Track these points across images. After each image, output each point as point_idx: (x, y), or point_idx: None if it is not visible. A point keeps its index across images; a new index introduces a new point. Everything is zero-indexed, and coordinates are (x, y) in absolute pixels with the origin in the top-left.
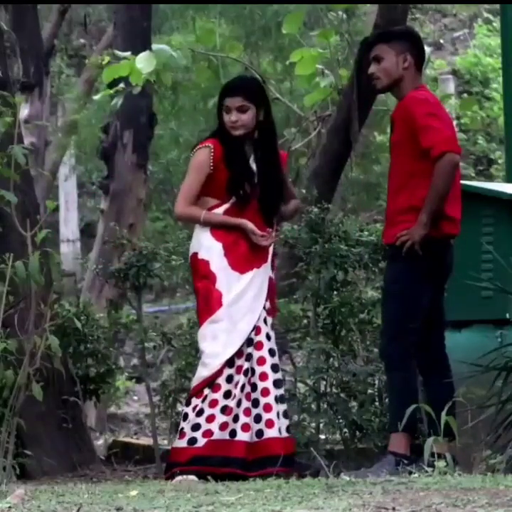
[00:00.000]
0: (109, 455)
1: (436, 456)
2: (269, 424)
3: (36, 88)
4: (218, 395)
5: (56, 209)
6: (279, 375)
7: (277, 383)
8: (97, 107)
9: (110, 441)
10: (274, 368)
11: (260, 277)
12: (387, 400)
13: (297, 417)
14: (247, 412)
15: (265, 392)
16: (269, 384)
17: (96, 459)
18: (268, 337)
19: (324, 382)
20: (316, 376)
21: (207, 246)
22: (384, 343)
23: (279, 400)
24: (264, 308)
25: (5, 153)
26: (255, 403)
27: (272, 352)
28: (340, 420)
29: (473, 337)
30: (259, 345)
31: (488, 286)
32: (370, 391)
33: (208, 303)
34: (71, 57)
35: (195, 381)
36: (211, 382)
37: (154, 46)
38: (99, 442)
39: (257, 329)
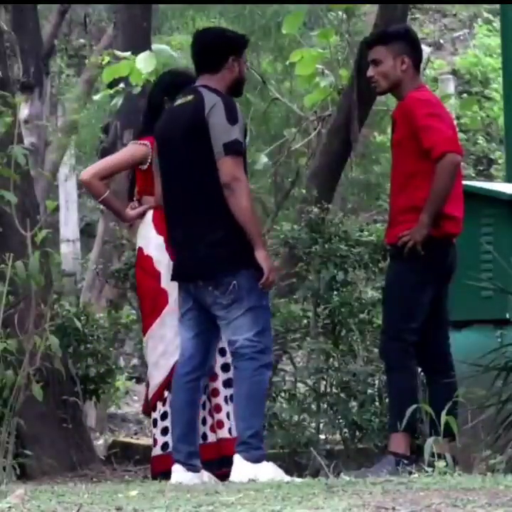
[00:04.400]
0: (109, 455)
1: (436, 456)
2: (219, 424)
3: (36, 88)
4: None
5: (56, 209)
6: (230, 374)
7: (228, 383)
8: (97, 107)
9: (110, 441)
10: (225, 367)
11: None
12: (387, 400)
13: (297, 417)
14: (211, 413)
15: (215, 392)
16: (218, 384)
17: (96, 459)
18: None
19: (324, 382)
20: (316, 376)
21: (150, 241)
22: (384, 342)
23: (230, 399)
24: None
25: (5, 153)
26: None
27: (222, 351)
28: (340, 420)
29: (473, 337)
30: None
31: (488, 286)
32: (370, 391)
33: (155, 303)
34: (71, 57)
35: (154, 387)
36: (169, 383)
37: (154, 46)
38: (99, 442)
39: None
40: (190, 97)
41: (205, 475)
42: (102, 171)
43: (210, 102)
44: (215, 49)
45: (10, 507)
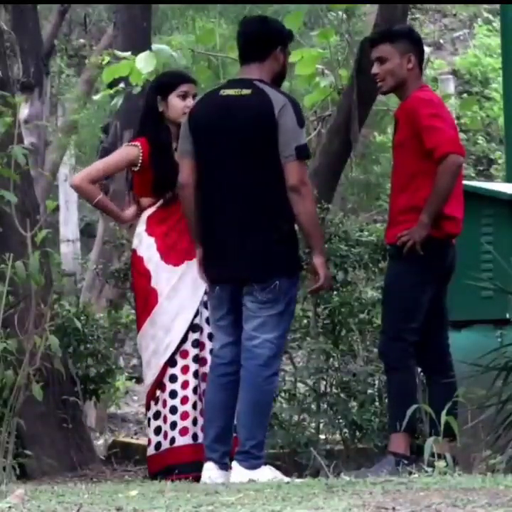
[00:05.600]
0: (109, 455)
1: (436, 456)
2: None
3: (36, 88)
4: (166, 395)
5: (56, 209)
6: None
7: None
8: (97, 107)
9: (110, 441)
10: None
11: (194, 271)
12: (387, 400)
13: (297, 417)
14: (202, 414)
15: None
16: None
17: (96, 459)
18: (211, 337)
19: (324, 382)
20: (316, 376)
21: (142, 241)
22: (383, 342)
23: None
24: (206, 307)
25: (5, 153)
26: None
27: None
28: (340, 420)
29: (473, 337)
30: (201, 346)
31: (488, 286)
32: (370, 391)
33: (146, 302)
34: (71, 57)
35: (147, 386)
36: (160, 382)
37: (154, 46)
38: (99, 442)
39: (200, 329)
40: (247, 91)
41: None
42: (92, 174)
43: (278, 103)
44: (265, 37)
45: (10, 507)
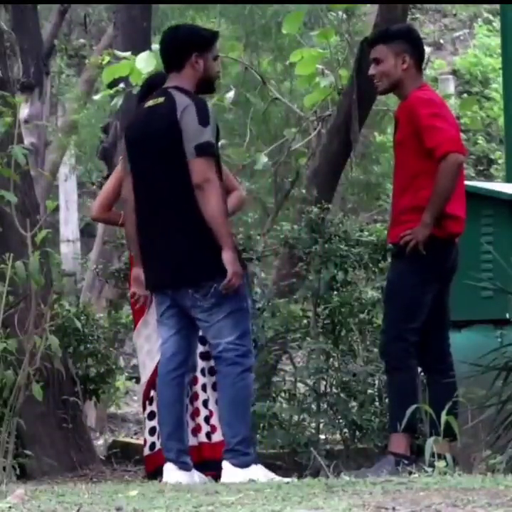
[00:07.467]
0: (109, 455)
1: (436, 456)
2: (198, 428)
3: (36, 88)
4: None
5: (56, 209)
6: (213, 379)
7: (205, 387)
8: (97, 107)
9: (110, 441)
10: (207, 371)
11: None
12: (387, 400)
13: (297, 417)
14: (193, 417)
15: (195, 396)
16: (198, 388)
17: (96, 459)
18: (201, 341)
19: (324, 382)
20: (316, 376)
21: None
22: (384, 342)
23: (215, 403)
24: None
25: (5, 153)
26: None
27: (204, 356)
28: (340, 420)
29: (473, 337)
30: None
31: (488, 286)
32: (370, 391)
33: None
34: (71, 57)
35: (142, 386)
36: (154, 383)
37: (154, 46)
38: (99, 442)
39: None
40: (161, 99)
41: (196, 474)
42: (104, 201)
43: (181, 105)
44: (176, 46)
45: (10, 507)
